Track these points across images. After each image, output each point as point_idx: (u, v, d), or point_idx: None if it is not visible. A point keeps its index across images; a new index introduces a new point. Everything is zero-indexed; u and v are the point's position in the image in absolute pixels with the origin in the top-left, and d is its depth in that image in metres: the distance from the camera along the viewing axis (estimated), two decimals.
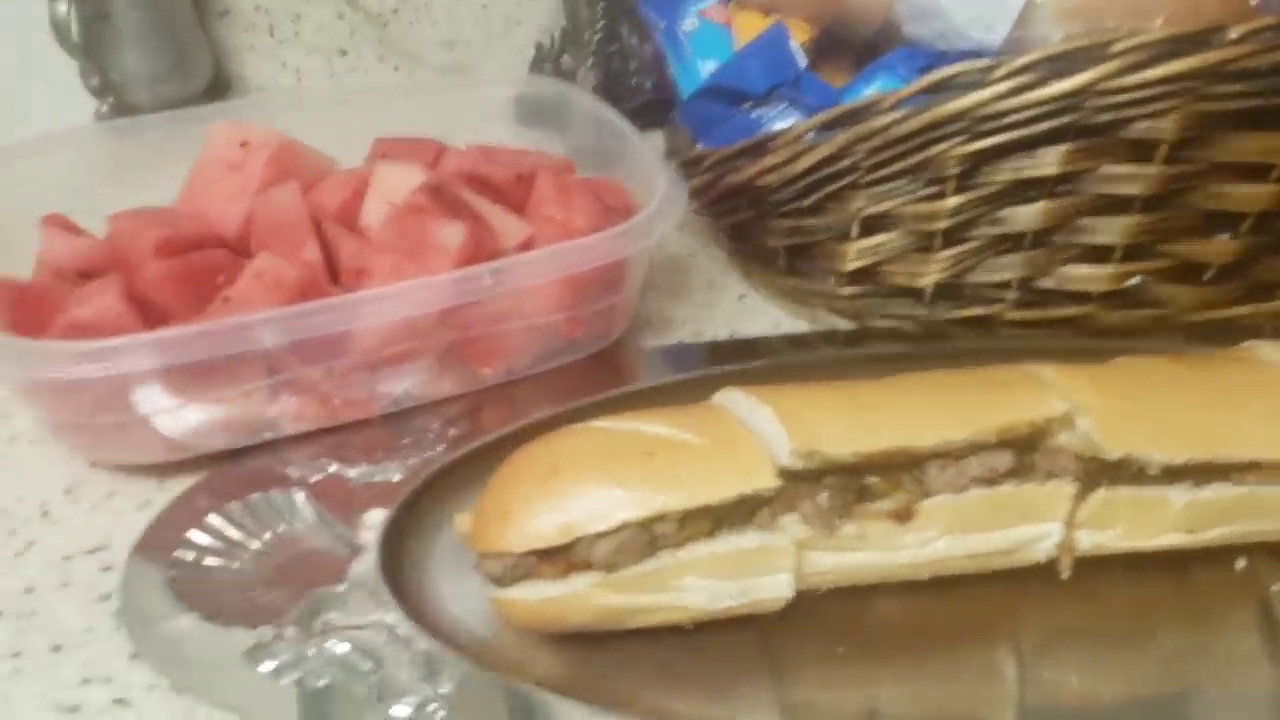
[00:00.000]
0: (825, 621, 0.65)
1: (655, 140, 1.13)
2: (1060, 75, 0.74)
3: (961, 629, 0.66)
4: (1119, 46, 0.73)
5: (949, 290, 0.85)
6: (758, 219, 0.88)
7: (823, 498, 0.63)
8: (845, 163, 0.79)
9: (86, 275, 0.77)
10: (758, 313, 0.91)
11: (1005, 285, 0.84)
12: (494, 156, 0.89)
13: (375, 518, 0.69)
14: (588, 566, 0.61)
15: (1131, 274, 0.83)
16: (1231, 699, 0.62)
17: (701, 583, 0.62)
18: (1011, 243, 0.82)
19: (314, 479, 0.72)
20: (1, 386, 0.83)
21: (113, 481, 0.74)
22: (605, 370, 0.83)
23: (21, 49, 1.09)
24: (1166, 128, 0.75)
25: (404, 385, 0.76)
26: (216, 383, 0.70)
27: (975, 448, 0.64)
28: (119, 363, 0.65)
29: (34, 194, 0.83)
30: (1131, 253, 0.82)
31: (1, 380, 0.77)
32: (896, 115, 0.76)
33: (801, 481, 0.63)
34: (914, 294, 0.86)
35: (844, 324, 0.89)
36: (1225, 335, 0.83)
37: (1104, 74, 0.73)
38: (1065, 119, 0.75)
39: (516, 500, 0.62)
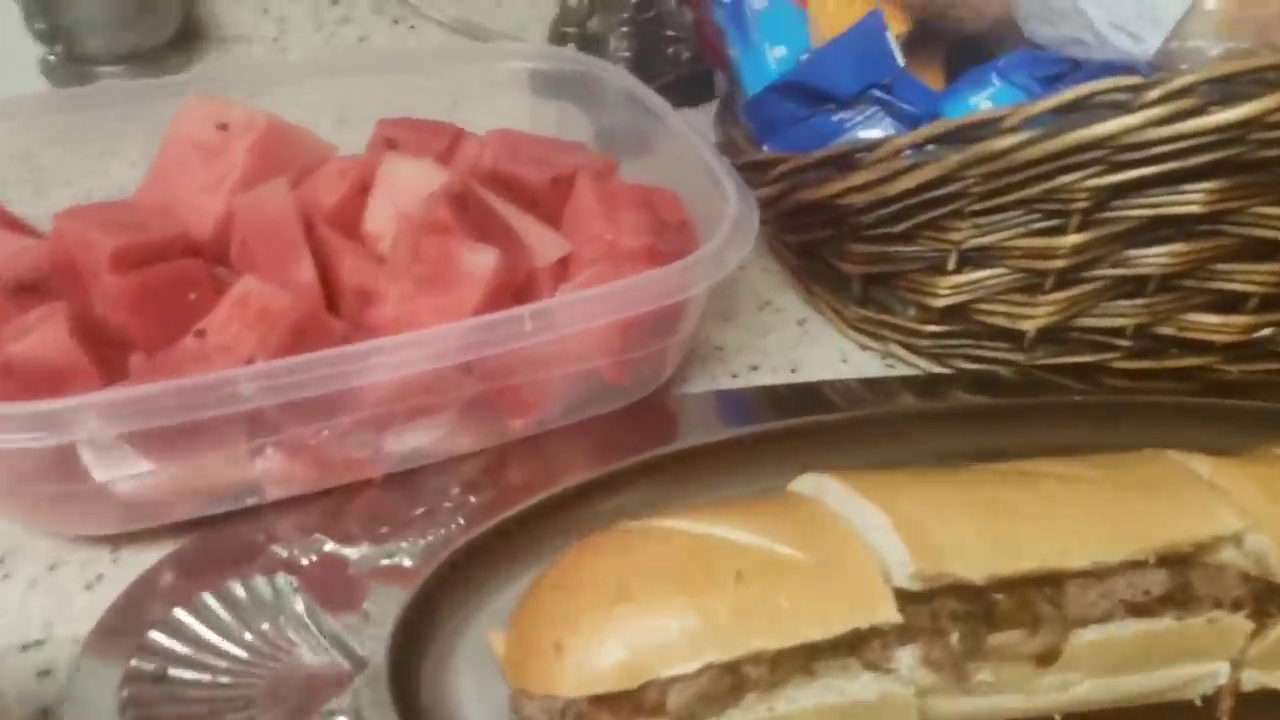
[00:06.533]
0: None
1: (692, 121, 0.99)
2: (1225, 102, 0.61)
3: None
4: None
5: (1051, 334, 0.73)
6: (832, 240, 0.75)
7: (953, 638, 0.51)
8: (952, 187, 0.66)
9: (28, 289, 0.63)
10: (820, 342, 0.79)
11: (1118, 332, 0.72)
12: (521, 147, 0.75)
13: (383, 614, 0.56)
14: (657, 715, 0.49)
15: (1264, 325, 0.72)
16: None
17: None
18: (1133, 286, 0.70)
19: (305, 561, 0.59)
20: None
21: (55, 549, 0.61)
22: (648, 418, 0.70)
23: None
24: None
25: (416, 442, 0.63)
26: (187, 447, 0.56)
27: (1127, 567, 0.53)
28: (66, 430, 0.52)
29: None
30: (1269, 302, 0.70)
31: None
32: (1022, 137, 0.63)
33: (918, 603, 0.51)
34: (1011, 337, 0.73)
35: (919, 363, 0.76)
36: None
37: (1279, 104, 0.60)
38: (1222, 153, 0.63)
39: (572, 628, 0.49)
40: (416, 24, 1.09)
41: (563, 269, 0.69)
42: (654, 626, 0.49)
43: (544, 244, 0.69)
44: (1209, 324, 0.71)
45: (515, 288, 0.66)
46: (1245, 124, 0.61)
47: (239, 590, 0.57)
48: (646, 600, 0.49)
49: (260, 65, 1.04)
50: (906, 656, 0.51)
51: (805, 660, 0.50)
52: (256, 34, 1.05)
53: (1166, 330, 0.72)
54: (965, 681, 0.51)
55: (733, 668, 0.49)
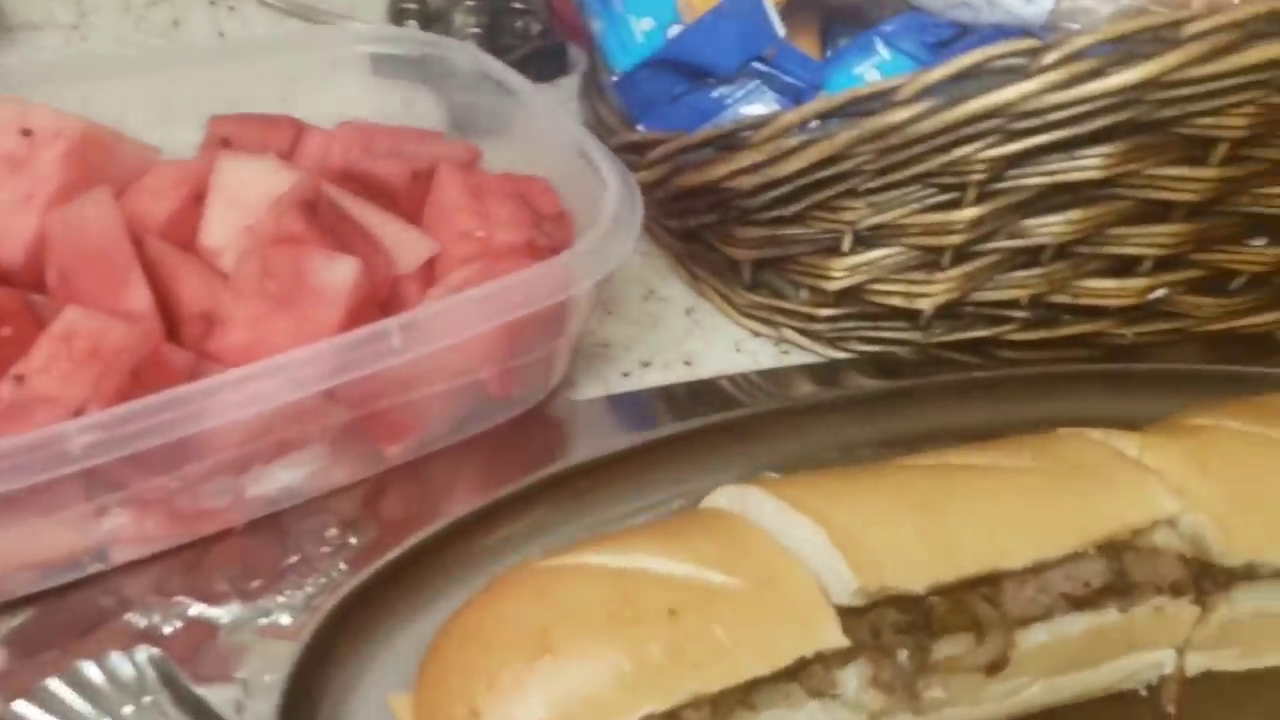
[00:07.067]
0: None
1: (550, 99, 0.93)
2: (1122, 63, 0.59)
3: None
4: (1196, 28, 0.59)
5: (948, 311, 0.70)
6: (718, 224, 0.70)
7: (902, 656, 0.47)
8: (845, 165, 0.62)
9: None
10: (711, 332, 0.74)
11: (1013, 304, 0.70)
12: (373, 140, 0.68)
13: (264, 683, 0.50)
14: None
15: (1158, 286, 0.70)
16: None
17: None
18: (1029, 256, 0.68)
19: (168, 629, 0.52)
20: None
21: None
22: (538, 431, 0.65)
23: None
24: (1234, 124, 0.62)
25: (281, 483, 0.56)
26: (13, 515, 0.48)
27: (1064, 560, 0.50)
28: None
29: None
30: (1163, 263, 0.69)
31: None
32: (918, 109, 0.60)
33: (855, 617, 0.48)
34: (908, 316, 0.70)
35: (815, 349, 0.73)
36: (1240, 345, 0.74)
37: (1177, 63, 0.59)
38: (1120, 115, 0.61)
39: (488, 689, 0.44)
40: (236, 5, 0.99)
41: (430, 272, 0.63)
42: (582, 679, 0.44)
43: (408, 246, 0.63)
44: (1104, 289, 0.70)
45: (380, 300, 0.60)
46: (1143, 85, 0.59)
47: (91, 671, 0.49)
48: (571, 650, 0.44)
49: (60, 58, 0.93)
50: (851, 678, 0.47)
51: (744, 693, 0.46)
52: (51, 21, 0.94)
53: (1062, 298, 0.70)
54: (917, 700, 0.47)
55: (672, 715, 0.44)
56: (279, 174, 0.62)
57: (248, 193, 0.61)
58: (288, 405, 0.52)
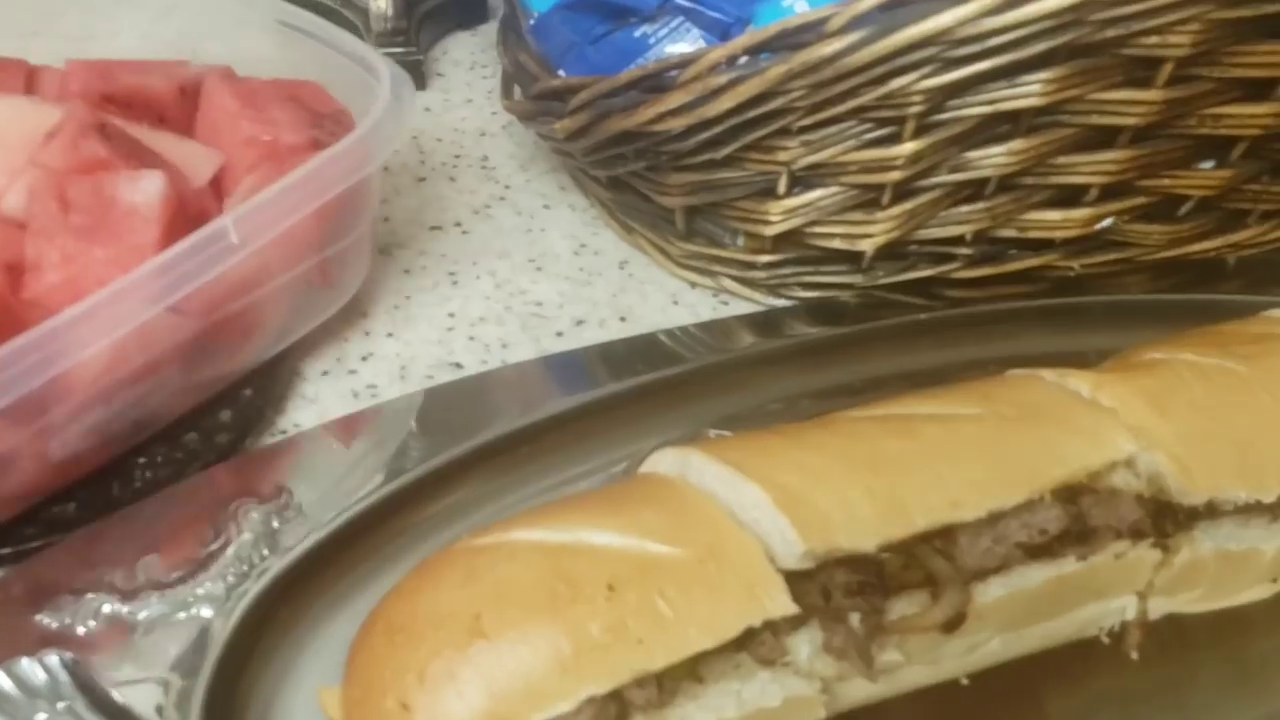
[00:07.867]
0: None
1: (462, 48, 0.89)
2: None
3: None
4: None
5: (890, 251, 0.68)
6: (649, 170, 0.67)
7: (854, 620, 0.45)
8: (777, 103, 0.60)
9: None
10: (647, 285, 0.71)
11: (958, 240, 0.68)
12: (113, 71, 0.65)
13: (186, 683, 0.47)
14: None
15: (1105, 215, 0.68)
16: None
17: None
18: (972, 190, 0.66)
19: (82, 629, 0.49)
20: None
21: None
22: (467, 397, 0.62)
23: None
24: (1178, 42, 0.59)
25: (143, 410, 0.54)
26: None
27: (1019, 508, 0.48)
28: None
29: None
30: (1109, 191, 0.67)
31: None
32: (849, 40, 0.57)
33: (804, 580, 0.45)
34: (849, 259, 0.68)
35: (755, 297, 0.70)
36: (1189, 272, 0.72)
37: None
38: (1059, 38, 0.58)
39: (419, 680, 0.41)
40: None
41: (219, 186, 0.62)
42: (519, 664, 0.41)
43: (195, 161, 0.61)
44: (1050, 221, 0.68)
45: (190, 215, 0.57)
46: (1083, 5, 0.56)
47: (1, 680, 0.47)
48: (506, 634, 0.42)
49: None
50: (803, 645, 0.45)
51: (691, 667, 0.44)
52: None
53: (1007, 233, 0.68)
54: (871, 665, 0.45)
55: (616, 695, 0.42)
56: (34, 108, 0.60)
57: (6, 132, 0.58)
58: (141, 328, 0.50)
